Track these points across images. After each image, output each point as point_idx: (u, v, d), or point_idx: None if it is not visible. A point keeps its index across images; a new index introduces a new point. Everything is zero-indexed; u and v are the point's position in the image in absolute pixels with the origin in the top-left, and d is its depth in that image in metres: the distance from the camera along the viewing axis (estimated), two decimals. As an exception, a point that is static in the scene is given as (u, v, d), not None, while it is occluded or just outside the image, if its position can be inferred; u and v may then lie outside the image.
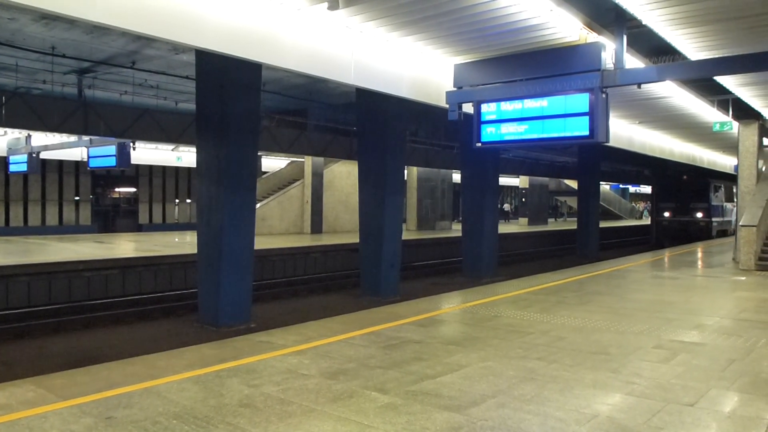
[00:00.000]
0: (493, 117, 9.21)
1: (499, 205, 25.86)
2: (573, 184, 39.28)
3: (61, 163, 29.52)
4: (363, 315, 7.80)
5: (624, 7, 7.38)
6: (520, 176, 37.04)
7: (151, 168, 32.91)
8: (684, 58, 9.23)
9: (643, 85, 8.91)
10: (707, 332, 6.56)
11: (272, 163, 27.93)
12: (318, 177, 24.34)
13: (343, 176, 25.69)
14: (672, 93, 12.69)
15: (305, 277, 16.58)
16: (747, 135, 15.24)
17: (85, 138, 18.72)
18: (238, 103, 10.49)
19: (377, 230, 13.90)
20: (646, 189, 49.44)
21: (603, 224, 30.28)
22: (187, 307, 12.60)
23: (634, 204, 57.82)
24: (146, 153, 24.92)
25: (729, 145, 20.74)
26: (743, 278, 11.48)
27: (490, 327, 6.86)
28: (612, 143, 13.85)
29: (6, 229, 27.45)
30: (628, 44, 8.33)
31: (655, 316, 7.45)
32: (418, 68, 9.62)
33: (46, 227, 29.19)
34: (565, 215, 51.88)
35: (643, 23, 7.84)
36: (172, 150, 25.93)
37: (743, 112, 14.36)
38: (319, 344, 5.93)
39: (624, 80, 8.24)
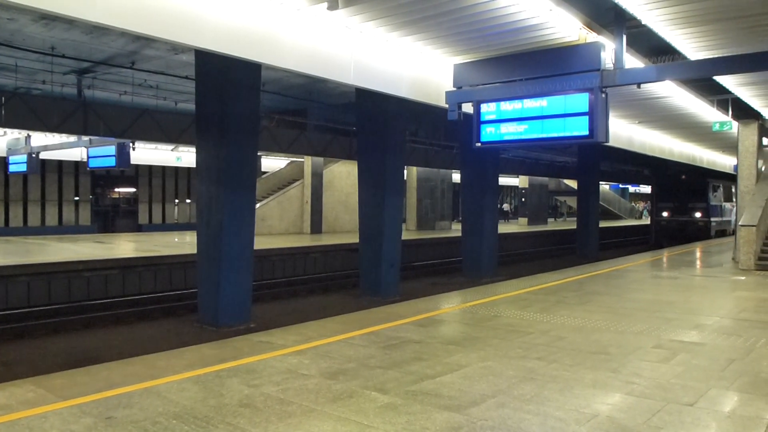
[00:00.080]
0: (492, 117, 9.21)
1: (498, 205, 25.86)
2: (573, 183, 39.29)
3: (60, 164, 29.51)
4: (363, 315, 7.79)
5: (623, 7, 7.38)
6: (520, 176, 37.05)
7: (150, 168, 32.91)
8: (683, 57, 9.23)
9: (642, 85, 8.92)
10: (707, 332, 6.56)
11: (272, 163, 27.93)
12: (318, 177, 24.34)
13: (343, 176, 25.69)
14: (671, 93, 12.69)
15: (305, 277, 16.58)
16: (746, 135, 15.24)
17: (85, 138, 18.72)
18: (237, 103, 10.49)
19: (377, 230, 13.90)
20: (646, 189, 49.44)
21: (603, 224, 30.29)
22: (187, 307, 12.60)
23: (633, 204, 57.83)
24: (146, 153, 24.91)
25: (729, 145, 20.75)
26: (743, 278, 11.49)
27: (490, 327, 6.86)
28: (612, 143, 13.86)
29: (5, 230, 27.45)
30: (627, 44, 8.33)
31: (655, 316, 7.45)
32: (418, 68, 9.62)
33: (46, 227, 29.19)
34: (565, 215, 51.89)
35: (643, 23, 7.85)
36: (172, 150, 25.93)
37: (743, 111, 14.37)
38: (318, 344, 5.93)
39: (623, 80, 8.24)
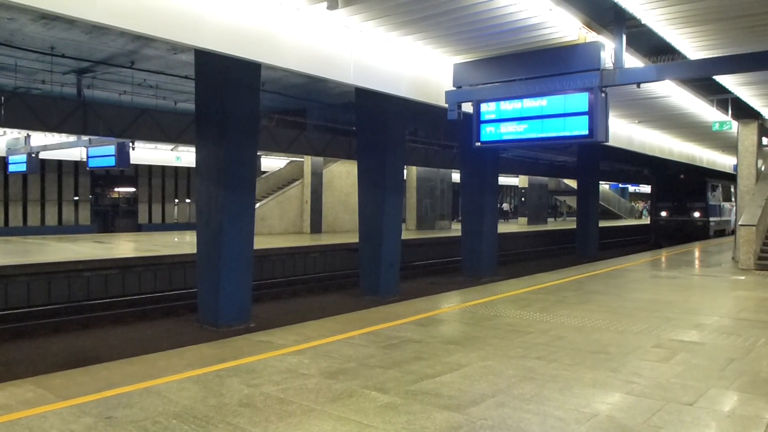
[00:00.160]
0: (492, 116, 9.21)
1: (498, 205, 25.87)
2: (572, 183, 39.29)
3: (60, 163, 29.51)
4: (362, 315, 7.79)
5: (623, 7, 7.38)
6: (520, 176, 37.06)
7: (150, 168, 32.90)
8: (683, 57, 9.23)
9: (642, 85, 8.93)
10: (707, 331, 6.56)
11: (271, 162, 27.92)
12: (317, 177, 24.34)
13: (343, 176, 25.68)
14: (671, 92, 12.69)
15: (305, 277, 16.58)
16: (746, 134, 15.25)
17: (85, 138, 18.71)
18: (237, 102, 10.48)
19: (377, 230, 13.90)
20: (646, 188, 49.46)
21: (602, 224, 30.27)
22: (186, 307, 12.60)
23: (633, 203, 57.84)
24: (145, 153, 24.91)
25: (728, 145, 20.75)
26: (742, 277, 11.49)
27: (490, 326, 6.86)
28: (611, 143, 13.87)
29: (5, 230, 27.45)
30: (627, 44, 8.33)
31: (655, 316, 7.45)
32: (418, 68, 9.62)
33: (45, 227, 29.19)
34: (565, 215, 51.90)
35: (643, 23, 7.85)
36: (172, 150, 25.93)
37: (742, 111, 14.37)
38: (318, 344, 5.93)
39: (623, 80, 8.24)
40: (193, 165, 13.24)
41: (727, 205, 29.40)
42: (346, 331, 6.52)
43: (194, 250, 11.42)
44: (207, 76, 10.71)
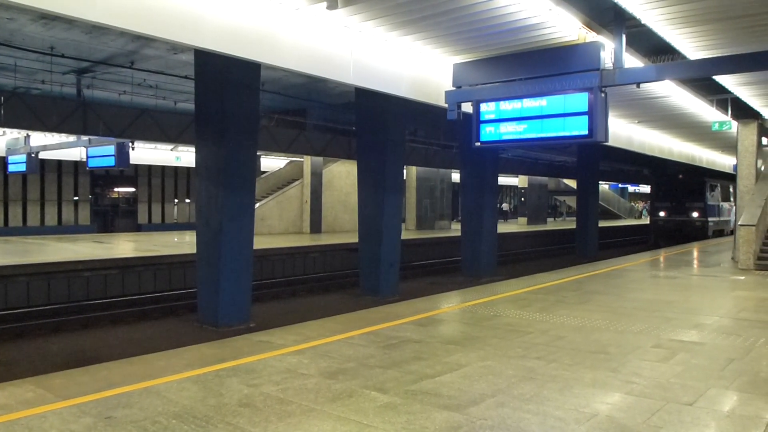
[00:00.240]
0: (492, 116, 9.21)
1: (498, 205, 25.86)
2: (572, 183, 39.30)
3: (60, 163, 29.51)
4: (362, 315, 7.79)
5: (623, 7, 7.38)
6: (519, 176, 37.06)
7: (150, 168, 32.91)
8: (683, 57, 9.23)
9: (642, 85, 8.93)
10: (706, 331, 6.57)
11: (271, 162, 27.93)
12: (317, 177, 24.34)
13: (342, 176, 25.68)
14: (671, 92, 12.70)
15: (304, 277, 16.58)
16: (746, 134, 15.25)
17: (84, 138, 18.71)
18: (237, 102, 10.48)
19: (376, 230, 13.91)
20: (646, 188, 49.48)
21: (602, 223, 30.28)
22: (186, 307, 12.60)
23: (633, 203, 57.85)
24: (145, 153, 24.91)
25: (728, 145, 20.76)
26: (742, 277, 11.49)
27: (490, 326, 6.86)
28: (611, 143, 13.87)
29: (5, 230, 27.44)
30: (627, 43, 8.33)
31: (655, 316, 7.45)
32: (418, 68, 9.62)
33: (45, 227, 29.19)
34: (564, 215, 51.91)
35: (642, 22, 7.85)
36: (171, 150, 25.93)
37: (742, 111, 14.37)
38: (318, 344, 5.94)
39: (623, 80, 8.25)
40: (193, 165, 13.24)
41: (725, 205, 29.37)
42: (345, 331, 6.52)
43: (194, 250, 11.42)
44: (207, 76, 10.70)
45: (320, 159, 23.89)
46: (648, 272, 12.89)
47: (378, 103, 13.16)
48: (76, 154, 22.84)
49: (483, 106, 9.28)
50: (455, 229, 24.36)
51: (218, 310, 10.52)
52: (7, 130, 20.38)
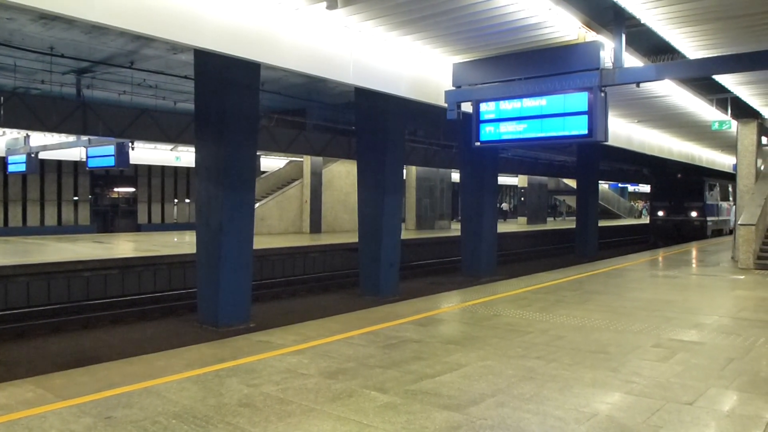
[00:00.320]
0: (491, 116, 9.21)
1: (497, 204, 25.87)
2: (572, 183, 39.29)
3: (59, 163, 29.50)
4: (362, 314, 7.80)
5: (622, 6, 7.38)
6: (519, 175, 37.05)
7: (150, 168, 32.89)
8: (682, 56, 9.23)
9: (641, 84, 8.93)
10: (706, 331, 6.57)
11: (271, 162, 27.93)
12: (317, 176, 24.34)
13: (342, 176, 25.68)
14: (671, 92, 12.69)
15: (304, 277, 16.58)
16: (746, 134, 15.25)
17: (84, 138, 18.71)
18: (236, 102, 10.48)
19: (376, 230, 13.91)
20: (646, 188, 49.49)
21: (602, 223, 30.28)
22: (186, 307, 12.60)
23: (633, 203, 57.87)
24: (145, 153, 24.91)
25: (728, 144, 20.76)
26: (742, 277, 11.50)
27: (490, 326, 6.86)
28: (611, 142, 13.87)
29: (5, 230, 27.44)
30: (626, 43, 8.32)
31: (654, 315, 7.46)
32: (417, 67, 9.62)
33: (45, 227, 29.18)
34: (564, 214, 51.91)
35: (642, 22, 7.85)
36: (171, 150, 25.92)
37: (742, 110, 14.38)
38: (318, 344, 5.94)
39: (623, 79, 8.24)
40: (193, 165, 13.25)
41: (724, 204, 29.33)
42: (345, 331, 6.52)
43: (194, 250, 11.42)
44: (207, 76, 10.70)
45: (320, 159, 23.89)
46: (648, 272, 12.89)
47: (378, 103, 13.16)
48: (76, 154, 22.84)
49: (483, 106, 9.28)
50: (455, 228, 24.36)
51: (218, 310, 10.52)
52: (7, 130, 20.37)
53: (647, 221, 32.47)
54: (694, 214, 27.41)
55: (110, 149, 18.59)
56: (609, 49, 8.34)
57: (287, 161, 26.87)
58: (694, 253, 17.36)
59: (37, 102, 15.08)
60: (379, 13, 7.83)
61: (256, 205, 18.79)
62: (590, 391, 4.48)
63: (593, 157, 26.91)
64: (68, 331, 10.83)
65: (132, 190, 34.09)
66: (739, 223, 13.26)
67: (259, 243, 14.69)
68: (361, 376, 4.84)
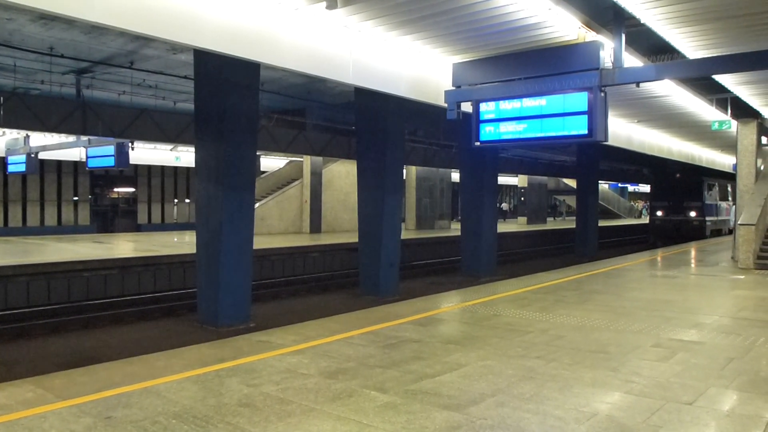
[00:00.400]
0: (491, 116, 9.21)
1: (497, 204, 25.87)
2: (572, 183, 39.30)
3: (59, 164, 29.50)
4: (362, 314, 7.80)
5: (622, 6, 7.38)
6: (519, 175, 37.05)
7: (149, 168, 32.89)
8: (682, 56, 9.23)
9: (641, 84, 8.93)
10: (706, 331, 6.57)
11: (271, 162, 27.93)
12: (317, 176, 24.34)
13: (342, 176, 25.68)
14: (670, 92, 12.69)
15: (304, 277, 16.58)
16: (746, 134, 15.25)
17: (84, 138, 18.71)
18: (236, 102, 10.48)
19: (376, 229, 13.91)
20: (646, 188, 49.48)
21: (602, 223, 30.28)
22: (186, 307, 12.60)
23: (633, 203, 57.87)
24: (145, 153, 24.90)
25: (728, 144, 20.76)
26: (742, 277, 11.50)
27: (489, 326, 6.86)
28: (611, 142, 13.87)
29: (4, 230, 27.43)
30: (626, 43, 8.32)
31: (654, 315, 7.46)
32: (417, 67, 9.62)
33: (45, 227, 29.18)
34: (564, 214, 51.91)
35: (642, 22, 7.85)
36: (171, 150, 25.92)
37: (742, 110, 14.38)
38: (318, 344, 5.94)
39: (622, 79, 8.24)
40: (193, 165, 13.25)
41: (724, 204, 29.30)
42: (345, 330, 6.52)
43: (193, 250, 11.42)
44: (206, 76, 10.70)
45: (320, 159, 23.89)
46: (648, 272, 12.90)
47: (377, 103, 13.16)
48: (76, 154, 22.84)
49: (482, 106, 9.27)
50: (455, 228, 24.37)
51: (218, 310, 10.53)
52: (7, 131, 20.37)
53: (647, 221, 32.47)
54: (692, 214, 27.38)
55: (110, 149, 18.59)
56: (609, 49, 8.34)
57: (287, 161, 26.87)
58: (693, 253, 17.36)
59: (36, 102, 15.08)
60: (378, 13, 7.83)
61: (256, 205, 18.78)
62: (590, 390, 4.48)
63: (593, 157, 26.91)
64: (68, 331, 10.83)
65: (132, 190, 34.09)
66: (739, 223, 13.26)
67: (259, 243, 14.68)
68: (361, 376, 4.84)
